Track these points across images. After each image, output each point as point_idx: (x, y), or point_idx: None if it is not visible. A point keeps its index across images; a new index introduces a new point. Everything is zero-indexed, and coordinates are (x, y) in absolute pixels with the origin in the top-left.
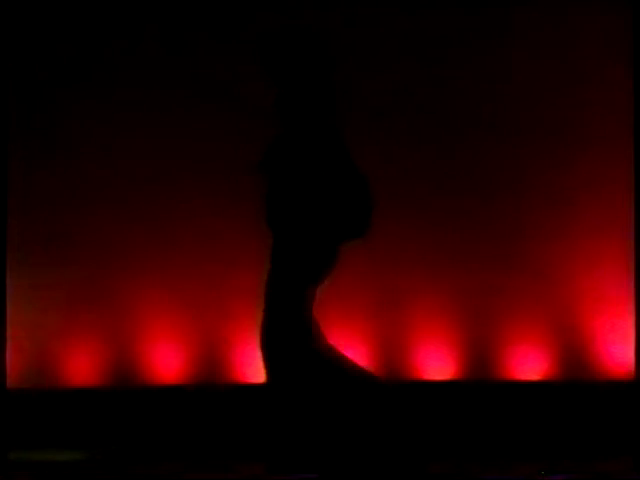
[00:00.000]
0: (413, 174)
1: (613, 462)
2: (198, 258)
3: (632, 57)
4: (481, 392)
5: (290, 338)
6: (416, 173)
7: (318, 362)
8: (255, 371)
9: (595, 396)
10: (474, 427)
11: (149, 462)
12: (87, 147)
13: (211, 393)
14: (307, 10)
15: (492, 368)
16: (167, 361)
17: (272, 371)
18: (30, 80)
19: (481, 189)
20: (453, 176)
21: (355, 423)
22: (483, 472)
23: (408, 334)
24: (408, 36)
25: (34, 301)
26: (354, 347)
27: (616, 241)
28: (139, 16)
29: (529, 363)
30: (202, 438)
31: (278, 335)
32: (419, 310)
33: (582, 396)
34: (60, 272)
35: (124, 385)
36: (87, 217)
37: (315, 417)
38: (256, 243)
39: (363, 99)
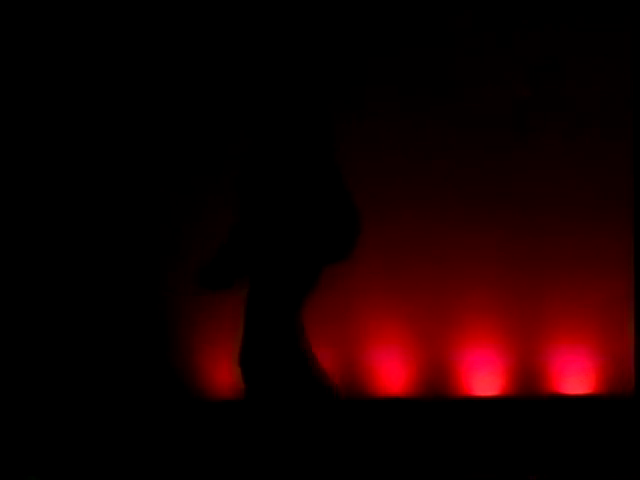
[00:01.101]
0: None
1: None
2: None
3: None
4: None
5: (269, 359)
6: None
7: (294, 380)
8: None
9: (593, 410)
10: (473, 441)
11: None
12: None
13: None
14: None
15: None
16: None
17: (251, 389)
18: None
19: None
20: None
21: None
22: None
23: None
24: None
25: None
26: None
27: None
28: None
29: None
30: None
31: (257, 356)
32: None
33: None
34: None
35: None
36: None
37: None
38: None
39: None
